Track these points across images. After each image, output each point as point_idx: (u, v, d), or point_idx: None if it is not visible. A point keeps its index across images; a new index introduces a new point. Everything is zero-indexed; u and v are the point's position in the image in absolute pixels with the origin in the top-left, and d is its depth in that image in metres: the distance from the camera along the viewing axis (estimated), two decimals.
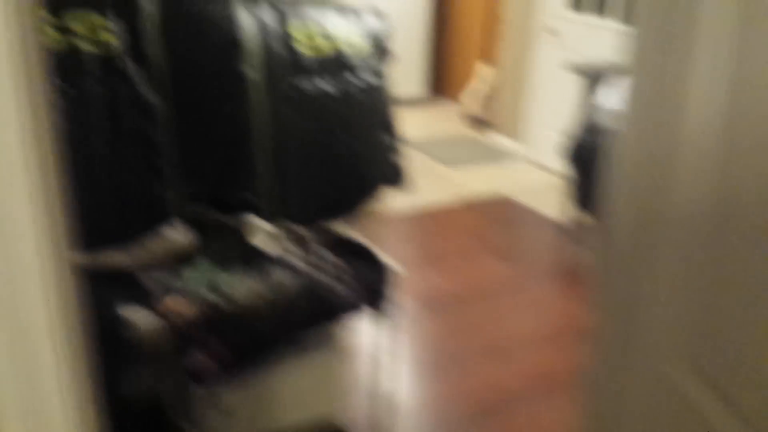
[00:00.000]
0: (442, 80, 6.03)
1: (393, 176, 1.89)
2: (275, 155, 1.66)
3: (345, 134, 1.76)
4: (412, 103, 5.65)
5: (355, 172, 1.78)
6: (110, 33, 1.43)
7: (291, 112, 1.68)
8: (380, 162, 1.84)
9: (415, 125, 5.16)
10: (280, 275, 1.59)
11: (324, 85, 1.74)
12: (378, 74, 1.84)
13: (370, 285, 1.73)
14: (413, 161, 4.34)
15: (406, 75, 5.38)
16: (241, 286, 1.55)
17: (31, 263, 0.67)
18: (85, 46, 1.39)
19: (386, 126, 1.86)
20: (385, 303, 1.78)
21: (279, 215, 1.69)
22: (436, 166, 4.34)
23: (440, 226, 3.46)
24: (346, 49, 1.78)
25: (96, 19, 1.42)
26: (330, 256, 1.72)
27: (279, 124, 1.66)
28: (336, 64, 1.76)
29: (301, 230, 1.74)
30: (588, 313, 1.03)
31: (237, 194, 1.61)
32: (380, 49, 1.88)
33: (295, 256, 1.68)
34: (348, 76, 1.78)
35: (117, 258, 1.46)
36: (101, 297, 1.43)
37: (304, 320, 1.62)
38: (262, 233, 1.64)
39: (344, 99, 1.76)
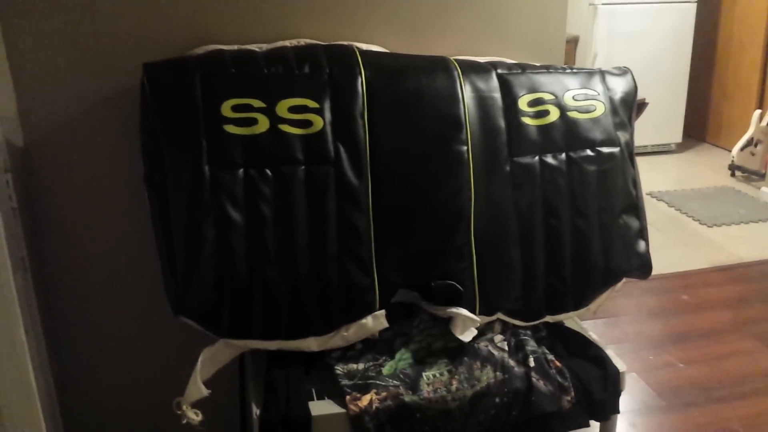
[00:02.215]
0: (703, 125, 5.40)
1: (637, 267, 1.62)
2: (490, 241, 1.50)
3: (576, 217, 1.55)
4: (665, 150, 5.12)
5: (589, 263, 1.55)
6: (317, 114, 1.40)
7: (511, 193, 1.52)
8: (621, 250, 1.59)
9: (667, 175, 4.64)
10: (483, 374, 1.43)
11: (551, 160, 1.55)
12: (618, 143, 1.60)
13: (591, 392, 1.49)
14: (662, 217, 3.92)
15: (658, 119, 4.88)
16: (438, 382, 1.41)
17: None
18: (290, 129, 1.38)
19: (630, 206, 1.61)
20: (608, 413, 1.51)
21: (491, 307, 1.52)
22: (690, 223, 3.83)
23: (691, 297, 3.00)
24: (579, 117, 1.57)
25: (308, 102, 1.40)
26: (547, 355, 1.51)
27: (497, 207, 1.51)
28: (566, 134, 1.56)
29: (516, 325, 1.56)
30: None
31: (444, 283, 1.48)
32: (622, 113, 1.64)
33: (504, 353, 1.50)
34: (581, 147, 1.57)
35: (313, 345, 1.41)
36: (296, 385, 1.40)
37: (505, 428, 1.43)
38: (470, 326, 1.49)
39: (576, 175, 1.55)
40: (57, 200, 1.55)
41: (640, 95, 1.71)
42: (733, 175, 4.59)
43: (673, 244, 3.53)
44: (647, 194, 4.20)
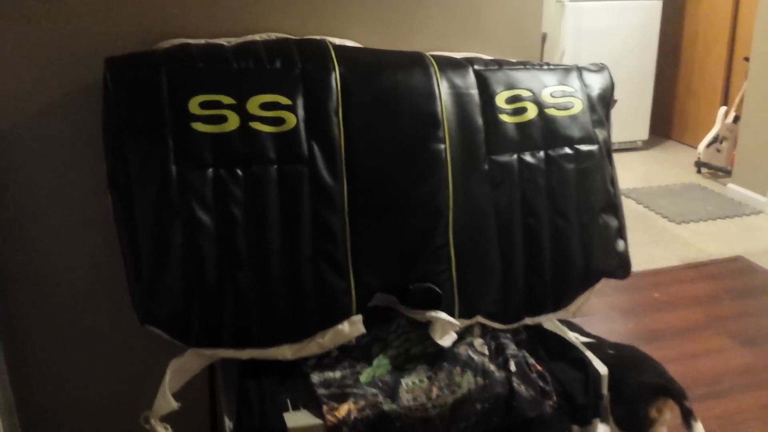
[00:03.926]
0: (669, 122, 5.46)
1: (616, 267, 1.59)
2: (469, 241, 1.46)
3: (556, 216, 1.51)
4: (631, 147, 5.16)
5: (568, 263, 1.52)
6: (289, 111, 1.34)
7: (490, 192, 1.47)
8: (601, 250, 1.56)
9: (634, 172, 4.68)
10: (463, 379, 1.39)
11: (530, 158, 1.51)
12: (597, 141, 1.58)
13: (573, 396, 1.45)
14: (631, 214, 3.93)
15: (625, 116, 4.91)
16: (417, 390, 1.36)
17: None
18: (261, 127, 1.32)
19: (608, 205, 1.58)
20: (590, 417, 1.49)
21: (471, 310, 1.48)
22: (659, 220, 3.85)
23: (662, 295, 3.01)
24: (557, 114, 1.54)
25: (280, 99, 1.34)
26: (527, 359, 1.48)
27: (476, 207, 1.46)
28: (544, 131, 1.53)
29: (496, 327, 1.52)
30: None
31: (423, 285, 1.43)
32: (600, 110, 1.61)
33: (484, 358, 1.46)
34: (560, 145, 1.54)
35: (288, 353, 1.36)
36: (271, 396, 1.34)
37: None
38: (449, 330, 1.44)
39: (555, 174, 1.52)
40: (16, 200, 1.46)
41: None
42: (699, 171, 4.65)
43: (643, 242, 3.54)
44: None
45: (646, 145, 5.26)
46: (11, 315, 1.53)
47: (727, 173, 4.43)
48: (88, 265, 1.54)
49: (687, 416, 1.51)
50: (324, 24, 1.57)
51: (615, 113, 1.68)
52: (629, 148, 5.16)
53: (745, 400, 2.26)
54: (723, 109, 4.57)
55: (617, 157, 5.11)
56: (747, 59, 4.16)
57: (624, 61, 4.83)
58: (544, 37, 4.75)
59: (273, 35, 1.50)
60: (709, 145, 4.57)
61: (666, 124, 5.51)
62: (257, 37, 1.48)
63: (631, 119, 5.03)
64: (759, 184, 3.99)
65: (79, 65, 1.42)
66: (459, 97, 1.47)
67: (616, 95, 1.67)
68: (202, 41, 1.43)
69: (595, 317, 2.79)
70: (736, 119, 4.40)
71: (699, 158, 4.62)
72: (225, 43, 1.43)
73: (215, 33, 1.48)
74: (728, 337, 2.63)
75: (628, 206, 4.01)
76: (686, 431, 1.51)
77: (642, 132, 5.14)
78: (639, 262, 3.27)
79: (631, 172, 4.68)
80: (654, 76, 5.02)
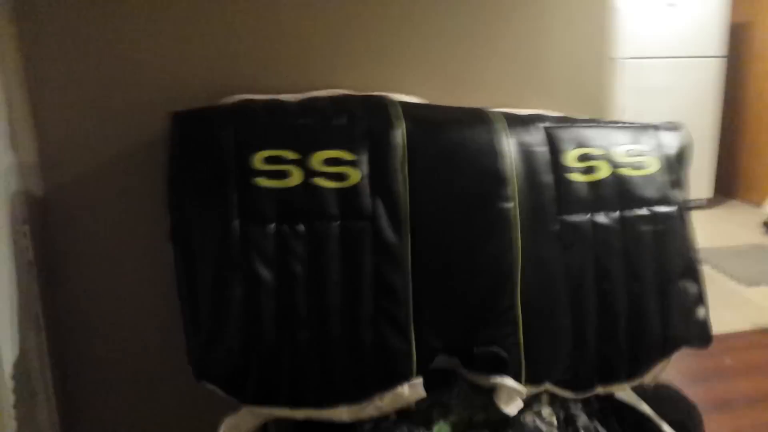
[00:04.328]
0: (734, 181, 5.28)
1: (697, 335, 1.49)
2: (538, 305, 1.39)
3: (631, 280, 1.43)
4: (696, 206, 4.99)
5: (644, 330, 1.43)
6: (353, 167, 1.31)
7: (559, 254, 1.41)
8: (679, 317, 1.46)
9: (699, 232, 4.49)
10: None
11: (603, 219, 1.44)
12: (674, 202, 1.50)
13: None
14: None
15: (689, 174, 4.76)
16: None
17: None
18: (324, 182, 1.29)
19: (687, 270, 1.49)
20: None
21: (539, 376, 1.40)
22: (727, 282, 3.68)
23: (734, 361, 2.84)
24: (632, 174, 1.47)
25: (344, 154, 1.32)
26: (600, 431, 1.38)
27: (546, 269, 1.40)
28: (618, 191, 1.46)
29: (566, 396, 1.43)
30: None
31: (488, 349, 1.36)
32: (677, 170, 1.54)
33: (553, 428, 1.37)
34: (634, 206, 1.46)
35: (345, 415, 1.29)
36: None
37: None
38: (515, 397, 1.36)
39: (630, 236, 1.44)
40: (76, 255, 1.46)
41: None
42: (767, 232, 4.45)
43: (712, 305, 3.35)
44: None
45: (710, 204, 5.08)
46: (66, 367, 1.51)
47: None
48: (146, 320, 1.53)
49: None
50: (387, 80, 1.55)
51: None
52: (693, 207, 4.99)
53: None
54: None
55: None
56: None
57: (686, 118, 4.71)
58: None
59: (336, 92, 1.49)
60: None
61: (730, 183, 5.33)
62: (322, 93, 1.47)
63: (694, 178, 4.85)
64: None
65: (144, 118, 1.43)
66: (528, 155, 1.43)
67: None
68: (266, 97, 1.42)
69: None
70: None
71: (766, 219, 4.43)
72: (290, 99, 1.42)
73: (278, 89, 1.48)
74: None
75: None
76: None
77: (706, 191, 4.97)
78: None
79: (696, 232, 4.51)
80: (718, 134, 4.88)
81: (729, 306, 3.35)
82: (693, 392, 2.58)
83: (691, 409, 1.52)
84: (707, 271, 3.80)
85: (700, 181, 4.91)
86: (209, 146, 1.28)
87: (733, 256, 4.04)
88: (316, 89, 1.50)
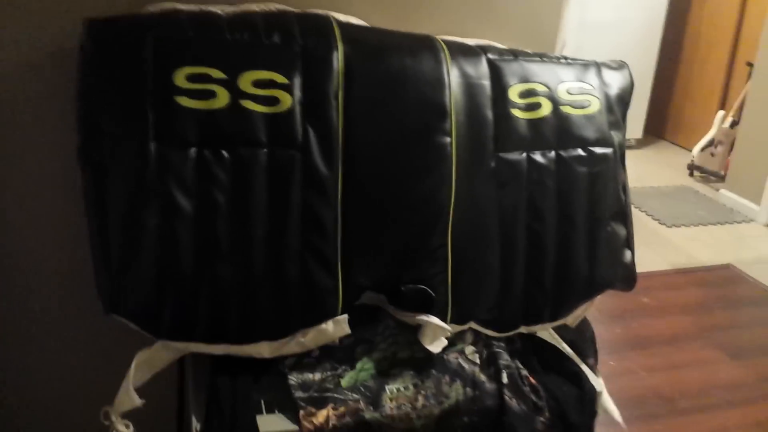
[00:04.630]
0: (664, 122, 5.38)
1: (622, 278, 1.50)
2: (468, 244, 1.36)
3: (563, 222, 1.41)
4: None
5: (571, 271, 1.43)
6: (285, 91, 1.22)
7: (494, 193, 1.37)
8: (607, 260, 1.47)
9: (628, 172, 4.60)
10: (452, 389, 1.30)
11: (540, 158, 1.41)
12: (612, 144, 1.48)
13: (566, 413, 1.37)
14: None
15: None
16: (402, 398, 1.27)
17: None
18: (253, 106, 1.20)
19: (618, 213, 1.49)
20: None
21: (464, 315, 1.39)
22: (649, 222, 3.79)
23: (651, 300, 2.95)
24: (573, 112, 1.44)
25: (276, 76, 1.22)
26: (521, 370, 1.39)
27: (479, 207, 1.36)
28: (558, 130, 1.42)
29: (489, 335, 1.43)
30: None
31: (416, 287, 1.33)
32: (618, 111, 1.51)
33: (475, 367, 1.37)
34: (573, 146, 1.43)
35: (266, 351, 1.25)
36: (244, 396, 1.24)
37: None
38: (440, 335, 1.35)
39: (566, 176, 1.42)
40: None
41: None
42: (691, 175, 4.59)
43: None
44: None
45: (639, 144, 5.19)
46: None
47: (721, 178, 4.37)
48: (53, 246, 1.42)
49: None
50: None
51: None
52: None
53: (733, 416, 2.20)
54: (721, 113, 4.51)
55: None
56: (750, 64, 4.09)
57: (625, 56, 4.72)
58: None
59: (273, 6, 1.37)
60: (703, 148, 4.51)
61: (661, 124, 5.44)
62: (255, 7, 1.35)
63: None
64: (752, 191, 3.93)
65: (57, 24, 1.28)
66: (470, 87, 1.36)
67: None
68: (195, 7, 1.30)
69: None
70: (734, 124, 4.34)
71: (693, 161, 4.57)
72: (219, 12, 1.30)
73: (209, 0, 1.35)
74: (717, 349, 2.57)
75: None
76: None
77: (636, 131, 5.06)
78: None
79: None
80: (653, 75, 4.93)
81: (649, 246, 3.47)
82: (610, 330, 2.68)
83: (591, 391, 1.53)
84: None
85: (631, 121, 4.95)
86: (126, 59, 1.16)
87: (658, 197, 4.16)
88: (250, 2, 1.38)
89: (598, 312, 2.79)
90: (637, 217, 3.83)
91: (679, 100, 5.25)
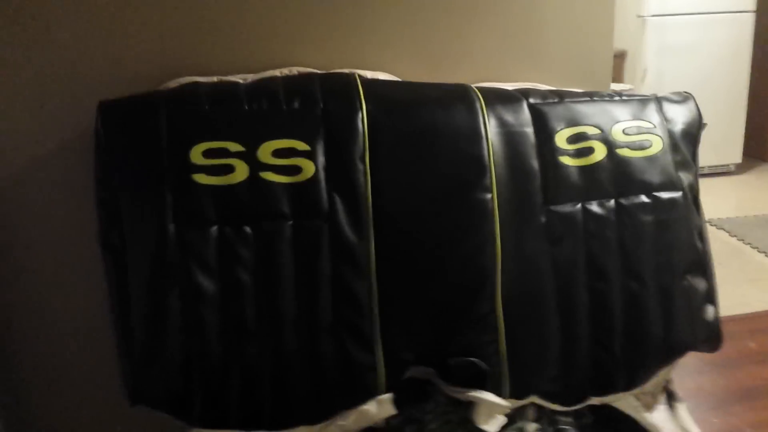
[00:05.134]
0: (765, 144, 4.99)
1: (704, 339, 1.32)
2: (522, 308, 1.23)
3: (629, 279, 1.26)
4: (723, 171, 4.73)
5: (644, 334, 1.26)
6: (307, 158, 1.15)
7: (546, 249, 1.24)
8: (685, 319, 1.29)
9: (726, 200, 4.27)
10: None
11: (597, 208, 1.27)
12: (680, 187, 1.31)
13: None
14: (723, 248, 3.56)
15: (716, 137, 4.51)
16: None
17: None
18: (274, 177, 1.13)
19: (695, 264, 1.31)
20: None
21: (524, 388, 1.25)
22: (755, 255, 3.46)
23: (759, 345, 2.65)
24: (632, 155, 1.29)
25: (297, 144, 1.16)
26: None
27: (530, 267, 1.23)
28: (615, 176, 1.28)
29: (554, 409, 1.28)
30: None
31: (465, 360, 1.21)
32: (685, 149, 1.35)
33: None
34: (634, 192, 1.29)
35: None
36: None
37: None
38: (497, 412, 1.21)
39: (628, 227, 1.27)
40: (6, 257, 1.32)
41: None
42: None
43: (737, 281, 3.17)
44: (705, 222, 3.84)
45: (740, 169, 4.81)
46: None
47: None
48: (78, 334, 1.38)
49: None
50: (354, 55, 1.38)
51: (705, 135, 1.42)
52: (720, 172, 4.73)
53: None
54: None
55: (706, 183, 4.70)
56: None
57: (713, 78, 4.45)
58: (623, 55, 4.44)
59: (296, 70, 1.32)
60: None
61: (762, 146, 5.04)
62: (277, 72, 1.31)
63: (722, 141, 4.61)
64: None
65: (77, 109, 1.27)
66: (510, 137, 1.25)
67: (706, 116, 1.40)
68: (215, 79, 1.27)
69: (679, 371, 2.46)
70: None
71: None
72: (240, 81, 1.26)
73: (230, 69, 1.31)
74: None
75: (720, 239, 3.63)
76: None
77: (734, 155, 4.70)
78: (732, 305, 2.90)
79: (722, 200, 4.27)
80: (747, 95, 4.59)
81: (755, 282, 3.15)
82: (711, 381, 2.40)
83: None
84: (733, 243, 3.58)
85: (728, 145, 4.64)
86: (140, 139, 1.13)
87: (763, 226, 3.80)
88: (273, 68, 1.34)
89: (697, 360, 2.52)
90: (741, 250, 3.50)
91: None
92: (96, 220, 1.16)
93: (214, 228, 1.12)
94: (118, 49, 1.27)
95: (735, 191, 4.43)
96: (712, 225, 3.81)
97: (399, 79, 1.37)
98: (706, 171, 4.65)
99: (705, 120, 1.41)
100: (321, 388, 1.16)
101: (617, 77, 4.46)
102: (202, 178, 1.12)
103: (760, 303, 2.96)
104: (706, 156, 4.61)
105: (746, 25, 4.45)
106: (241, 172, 1.13)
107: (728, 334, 2.66)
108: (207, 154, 1.13)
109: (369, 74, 1.33)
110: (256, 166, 1.14)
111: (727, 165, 4.72)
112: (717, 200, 4.23)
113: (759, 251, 3.49)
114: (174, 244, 1.10)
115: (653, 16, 4.29)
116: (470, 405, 1.23)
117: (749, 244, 3.57)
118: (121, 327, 1.13)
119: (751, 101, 4.69)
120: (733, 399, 2.29)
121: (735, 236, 3.65)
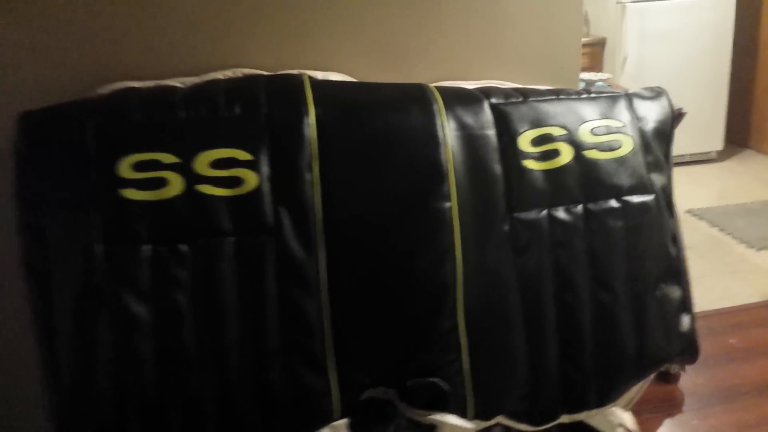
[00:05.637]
0: (747, 130, 4.95)
1: (680, 350, 1.25)
2: (486, 323, 1.15)
3: (598, 289, 1.18)
4: (704, 159, 4.68)
5: (616, 348, 1.19)
6: (249, 168, 1.06)
7: (511, 260, 1.16)
8: (659, 330, 1.22)
9: (707, 188, 4.22)
10: None
11: (564, 215, 1.19)
12: (652, 189, 1.24)
13: None
14: (703, 239, 3.50)
15: (697, 125, 4.46)
16: None
17: None
18: (212, 190, 1.04)
19: (669, 272, 1.24)
20: None
21: (490, 408, 1.17)
22: (736, 246, 3.41)
23: (740, 341, 2.59)
24: (600, 157, 1.22)
25: (238, 153, 1.07)
26: None
27: (494, 279, 1.15)
28: (583, 180, 1.20)
29: (523, 429, 1.21)
30: None
31: (424, 381, 1.13)
32: (657, 149, 1.28)
33: None
34: (603, 197, 1.21)
35: None
36: None
37: None
38: None
39: (598, 234, 1.19)
40: None
41: (676, 103, 1.35)
42: None
43: (718, 273, 3.11)
44: (686, 212, 3.78)
45: (721, 156, 4.77)
46: None
47: None
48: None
49: None
50: (305, 55, 1.29)
51: (686, 122, 1.34)
52: (701, 160, 4.68)
53: None
54: None
55: (687, 171, 4.64)
56: None
57: (694, 64, 4.38)
58: (603, 43, 4.36)
59: (241, 71, 1.23)
60: None
61: (743, 132, 5.00)
62: (220, 75, 1.21)
63: (703, 128, 4.55)
64: None
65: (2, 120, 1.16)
66: (470, 140, 1.17)
67: (687, 103, 1.33)
68: (152, 84, 1.17)
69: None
70: None
71: None
72: (180, 85, 1.17)
73: (169, 73, 1.21)
74: None
75: (701, 230, 3.58)
76: None
77: (716, 142, 4.65)
78: (713, 299, 2.85)
79: (703, 189, 4.22)
80: (729, 80, 4.54)
81: (736, 275, 3.09)
82: (691, 380, 2.34)
83: None
84: (714, 234, 3.53)
85: (709, 132, 4.58)
86: (64, 152, 1.04)
87: (744, 215, 3.75)
88: (216, 70, 1.24)
89: None
90: (722, 241, 3.45)
91: (762, 105, 4.82)
92: (20, 241, 1.06)
93: (147, 247, 1.03)
94: (42, 53, 1.17)
95: (717, 179, 4.38)
96: (692, 215, 3.75)
97: (353, 80, 1.28)
98: (687, 159, 4.60)
99: (685, 108, 1.34)
100: (271, 417, 1.08)
101: (597, 66, 4.39)
102: (132, 194, 1.03)
103: (742, 296, 2.91)
104: (687, 143, 4.56)
105: (728, 10, 4.39)
106: (176, 185, 1.04)
107: (709, 330, 2.62)
108: (137, 167, 1.03)
109: (320, 75, 1.24)
110: (192, 178, 1.05)
111: (709, 152, 4.67)
112: (698, 189, 4.17)
113: (740, 241, 3.43)
114: (102, 266, 1.01)
115: (633, 2, 4.22)
116: (433, 428, 1.15)
117: (730, 234, 3.52)
118: (47, 357, 1.04)
119: (733, 87, 4.63)
120: (714, 400, 2.23)
121: (716, 226, 3.60)
